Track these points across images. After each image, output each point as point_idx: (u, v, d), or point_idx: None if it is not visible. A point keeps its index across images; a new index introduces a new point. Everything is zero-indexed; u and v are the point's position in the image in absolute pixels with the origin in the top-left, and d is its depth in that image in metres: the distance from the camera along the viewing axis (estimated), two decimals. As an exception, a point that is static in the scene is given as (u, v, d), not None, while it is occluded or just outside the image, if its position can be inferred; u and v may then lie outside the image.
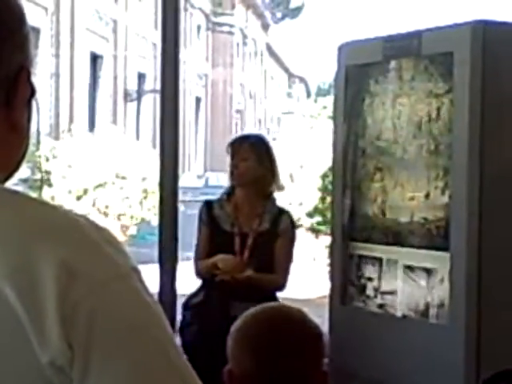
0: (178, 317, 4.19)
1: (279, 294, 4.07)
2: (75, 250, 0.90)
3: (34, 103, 1.06)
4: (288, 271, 4.05)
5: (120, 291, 0.90)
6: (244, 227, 4.03)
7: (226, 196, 4.12)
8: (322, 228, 11.65)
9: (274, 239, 4.02)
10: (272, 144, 4.27)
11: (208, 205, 4.13)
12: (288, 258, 4.07)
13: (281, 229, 4.03)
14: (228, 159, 4.15)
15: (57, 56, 19.99)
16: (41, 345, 0.85)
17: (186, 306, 4.08)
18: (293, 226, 4.15)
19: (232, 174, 4.09)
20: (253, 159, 4.03)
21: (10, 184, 1.03)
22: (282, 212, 4.11)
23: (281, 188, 4.23)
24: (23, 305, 0.85)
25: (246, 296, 3.72)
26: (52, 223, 0.92)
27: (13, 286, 0.86)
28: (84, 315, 0.86)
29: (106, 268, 0.90)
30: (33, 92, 1.05)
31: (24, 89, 1.03)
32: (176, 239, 4.24)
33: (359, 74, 3.87)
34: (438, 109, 3.50)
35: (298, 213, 11.35)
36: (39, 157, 14.17)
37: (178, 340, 3.96)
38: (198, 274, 4.10)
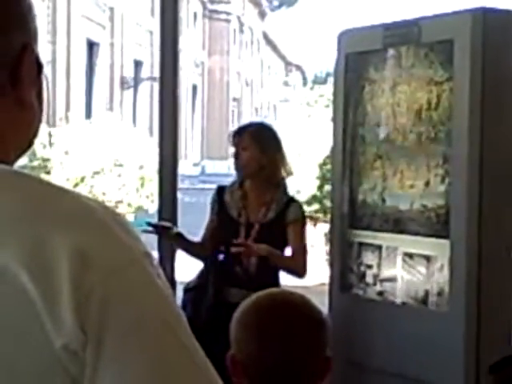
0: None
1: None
2: (88, 235, 0.90)
3: (43, 79, 1.05)
4: (305, 258, 3.92)
5: (132, 277, 0.90)
6: (251, 217, 3.94)
7: (239, 183, 4.04)
8: (320, 216, 11.63)
9: (280, 230, 3.90)
10: (276, 130, 4.15)
11: (219, 190, 4.06)
12: (302, 245, 3.95)
13: (290, 219, 3.91)
14: (231, 149, 4.07)
15: (53, 43, 19.95)
16: (55, 329, 0.85)
17: (184, 289, 4.02)
18: (302, 214, 4.03)
19: (235, 164, 4.02)
20: (254, 148, 3.92)
21: None
22: (290, 201, 3.99)
23: (290, 173, 4.11)
24: (38, 290, 0.86)
25: (245, 283, 3.71)
26: (65, 207, 0.92)
27: (27, 271, 0.86)
28: (97, 302, 0.86)
29: (119, 253, 0.90)
30: (40, 69, 1.04)
31: (29, 67, 1.02)
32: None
33: (359, 61, 3.86)
34: (438, 96, 3.50)
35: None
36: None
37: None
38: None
